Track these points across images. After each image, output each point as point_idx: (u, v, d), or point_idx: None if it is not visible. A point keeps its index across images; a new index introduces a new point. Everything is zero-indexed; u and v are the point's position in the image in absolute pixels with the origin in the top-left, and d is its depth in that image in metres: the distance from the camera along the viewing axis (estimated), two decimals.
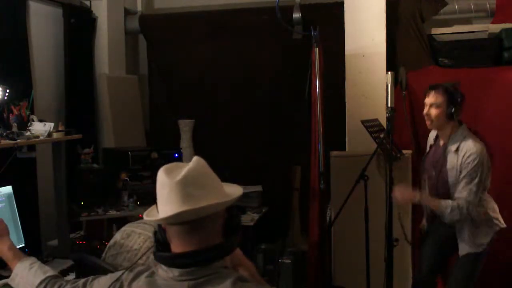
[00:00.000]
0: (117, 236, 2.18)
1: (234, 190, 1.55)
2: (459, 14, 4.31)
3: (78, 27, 4.39)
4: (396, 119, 3.25)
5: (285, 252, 4.40)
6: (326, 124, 3.81)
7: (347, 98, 4.01)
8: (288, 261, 4.16)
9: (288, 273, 4.14)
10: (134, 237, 2.13)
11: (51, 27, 4.24)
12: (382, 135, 3.50)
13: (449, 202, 3.02)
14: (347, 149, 4.01)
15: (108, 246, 2.18)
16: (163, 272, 1.45)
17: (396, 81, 3.69)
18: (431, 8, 4.26)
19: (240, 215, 1.55)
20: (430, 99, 3.09)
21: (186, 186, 1.39)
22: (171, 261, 1.43)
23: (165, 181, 1.41)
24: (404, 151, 3.81)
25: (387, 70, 3.68)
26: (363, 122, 3.63)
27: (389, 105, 3.18)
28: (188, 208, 1.37)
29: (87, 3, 4.61)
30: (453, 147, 3.05)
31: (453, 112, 3.01)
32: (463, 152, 2.99)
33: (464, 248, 3.14)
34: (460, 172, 3.00)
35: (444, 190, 3.12)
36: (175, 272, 1.42)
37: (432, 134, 3.34)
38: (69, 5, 4.31)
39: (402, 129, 3.98)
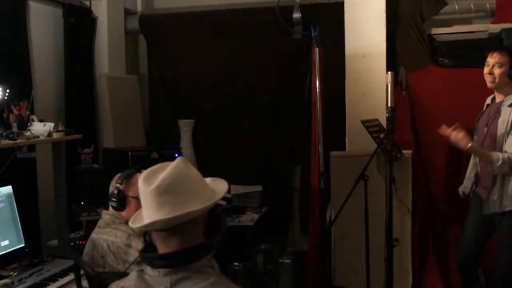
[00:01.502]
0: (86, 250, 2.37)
1: (219, 188, 1.54)
2: (459, 14, 4.31)
3: (78, 27, 4.39)
4: (396, 119, 3.25)
5: (285, 252, 4.40)
6: (326, 124, 3.81)
7: (347, 98, 4.01)
8: (288, 261, 4.16)
9: (288, 273, 4.14)
10: (99, 244, 2.31)
11: (51, 27, 4.24)
12: (382, 135, 3.50)
13: (500, 154, 3.05)
14: (347, 149, 4.01)
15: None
16: (150, 271, 1.49)
17: (396, 81, 3.69)
18: (431, 8, 4.25)
19: (223, 216, 1.56)
20: (494, 59, 3.19)
21: (161, 195, 1.40)
22: (153, 262, 1.47)
23: (142, 188, 1.44)
24: (404, 151, 3.81)
25: (387, 70, 3.67)
26: (363, 122, 3.63)
27: (389, 105, 3.17)
28: (161, 218, 1.39)
29: (87, 3, 4.60)
30: (508, 102, 3.18)
31: None
32: None
33: (488, 207, 3.19)
34: (511, 125, 3.08)
35: (489, 146, 3.17)
36: (161, 271, 1.46)
37: (490, 97, 3.41)
38: (69, 5, 4.30)
39: (402, 129, 3.98)
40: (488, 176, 3.22)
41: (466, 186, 3.51)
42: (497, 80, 3.19)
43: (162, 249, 1.47)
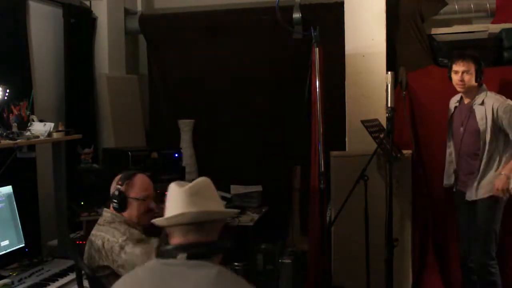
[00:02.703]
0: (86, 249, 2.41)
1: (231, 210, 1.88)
2: (459, 14, 4.31)
3: (78, 27, 4.39)
4: (396, 119, 3.26)
5: (285, 252, 4.39)
6: (326, 124, 3.81)
7: (347, 98, 4.01)
8: (288, 261, 4.15)
9: (288, 273, 4.13)
10: (95, 241, 2.35)
11: (51, 27, 4.24)
12: (382, 135, 3.50)
13: None
14: (347, 149, 4.01)
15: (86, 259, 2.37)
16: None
17: (396, 81, 3.69)
18: (431, 8, 4.26)
19: (232, 229, 1.83)
20: (462, 67, 3.49)
21: (191, 195, 1.61)
22: (172, 252, 1.60)
23: (174, 189, 1.65)
24: (404, 151, 3.81)
25: (387, 70, 3.68)
26: (363, 122, 3.63)
27: (389, 105, 3.18)
28: (191, 210, 1.58)
29: (87, 3, 4.61)
30: (478, 101, 3.50)
31: (481, 76, 3.49)
32: (491, 104, 3.44)
33: (470, 195, 3.52)
34: (492, 120, 3.40)
35: (470, 143, 3.51)
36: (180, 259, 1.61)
37: (454, 98, 3.71)
38: (69, 5, 4.30)
39: (402, 129, 3.98)
40: (466, 170, 3.57)
41: (447, 178, 3.76)
42: (466, 85, 3.49)
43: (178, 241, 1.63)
